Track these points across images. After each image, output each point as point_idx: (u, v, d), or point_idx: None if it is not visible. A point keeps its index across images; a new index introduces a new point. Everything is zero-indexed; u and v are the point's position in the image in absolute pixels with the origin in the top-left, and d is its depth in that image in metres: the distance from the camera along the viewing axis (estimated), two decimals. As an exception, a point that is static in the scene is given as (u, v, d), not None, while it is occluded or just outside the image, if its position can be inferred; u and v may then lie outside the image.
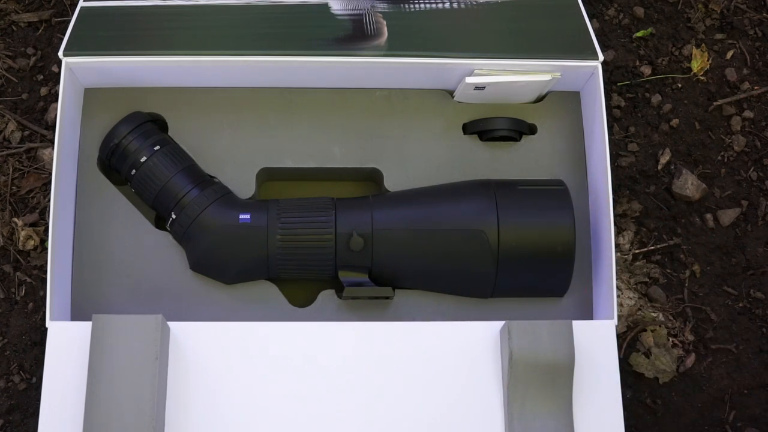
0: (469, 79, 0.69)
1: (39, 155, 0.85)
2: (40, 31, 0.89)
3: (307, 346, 0.63)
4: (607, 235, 0.68)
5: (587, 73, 0.71)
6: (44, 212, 0.83)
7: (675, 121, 0.88)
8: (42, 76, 0.88)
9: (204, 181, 0.68)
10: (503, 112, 0.73)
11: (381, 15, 0.71)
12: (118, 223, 0.69)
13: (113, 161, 0.69)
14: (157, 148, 0.68)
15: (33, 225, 0.82)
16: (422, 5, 0.72)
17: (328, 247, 0.66)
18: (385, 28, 0.70)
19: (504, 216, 0.66)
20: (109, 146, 0.69)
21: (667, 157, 0.87)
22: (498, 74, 0.69)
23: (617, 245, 0.84)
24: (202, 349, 0.63)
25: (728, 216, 0.86)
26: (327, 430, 0.62)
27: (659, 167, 0.87)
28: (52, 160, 0.68)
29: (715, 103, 0.89)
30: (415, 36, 0.70)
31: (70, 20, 0.75)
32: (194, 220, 0.66)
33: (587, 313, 0.70)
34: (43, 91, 0.87)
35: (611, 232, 0.67)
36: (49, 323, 0.63)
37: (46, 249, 0.69)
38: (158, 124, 0.71)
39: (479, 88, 0.70)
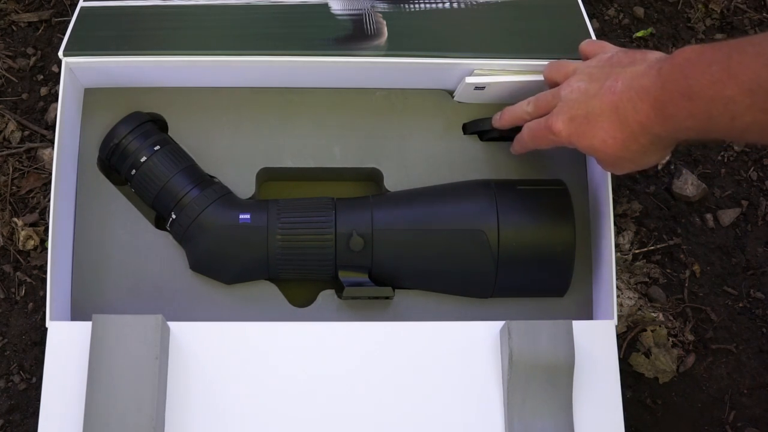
0: (469, 79, 0.69)
1: (39, 155, 0.85)
2: (40, 31, 0.89)
3: (307, 346, 0.63)
4: (607, 235, 0.68)
5: (587, 73, 0.71)
6: (44, 212, 0.83)
7: (675, 121, 0.88)
8: (42, 76, 0.88)
9: (204, 181, 0.68)
10: (503, 112, 0.73)
11: (381, 15, 0.71)
12: (118, 223, 0.69)
13: (113, 161, 0.69)
14: (157, 148, 0.68)
15: (33, 225, 0.82)
16: (422, 5, 0.72)
17: (328, 247, 0.66)
18: (385, 28, 0.70)
19: (504, 216, 0.66)
20: (109, 146, 0.69)
21: (667, 157, 0.87)
22: (498, 74, 0.69)
23: (617, 245, 0.84)
24: (202, 349, 0.63)
25: (728, 216, 0.86)
26: (327, 429, 0.62)
27: (659, 167, 0.87)
28: (52, 160, 0.68)
29: (715, 103, 0.89)
30: (415, 36, 0.70)
31: (70, 20, 0.75)
32: (194, 220, 0.66)
33: (587, 313, 0.70)
34: (43, 91, 0.87)
35: (611, 232, 0.67)
36: (49, 323, 0.63)
37: (46, 249, 0.69)
38: (158, 124, 0.71)
39: (479, 88, 0.70)
